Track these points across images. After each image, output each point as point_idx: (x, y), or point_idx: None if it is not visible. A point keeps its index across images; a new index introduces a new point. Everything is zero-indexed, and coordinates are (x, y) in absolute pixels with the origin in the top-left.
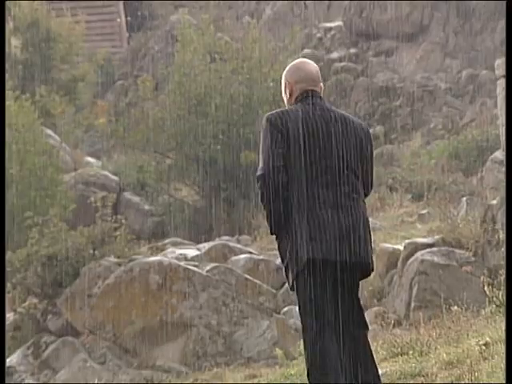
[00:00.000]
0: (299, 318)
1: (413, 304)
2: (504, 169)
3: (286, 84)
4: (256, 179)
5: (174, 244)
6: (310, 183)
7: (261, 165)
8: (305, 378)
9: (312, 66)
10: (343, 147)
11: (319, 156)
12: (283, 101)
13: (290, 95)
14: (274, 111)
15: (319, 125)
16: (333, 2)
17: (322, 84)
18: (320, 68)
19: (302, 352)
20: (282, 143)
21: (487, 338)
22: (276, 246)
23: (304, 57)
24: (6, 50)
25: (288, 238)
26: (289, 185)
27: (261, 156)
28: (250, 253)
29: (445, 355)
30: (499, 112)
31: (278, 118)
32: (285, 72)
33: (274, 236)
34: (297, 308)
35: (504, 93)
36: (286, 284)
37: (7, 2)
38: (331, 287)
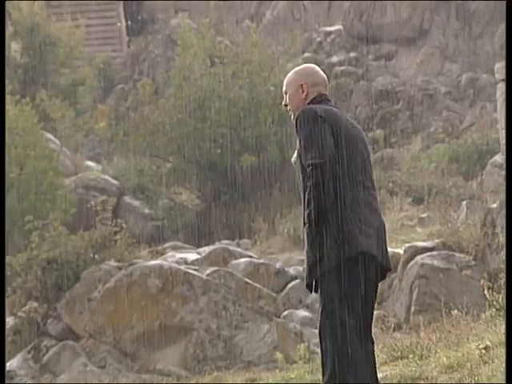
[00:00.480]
0: (329, 313)
1: (413, 308)
2: (504, 172)
3: (301, 85)
4: (313, 166)
5: (174, 248)
6: (351, 181)
7: (313, 154)
8: (305, 381)
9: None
10: (369, 152)
11: (356, 156)
12: (286, 100)
13: (306, 96)
14: (311, 106)
15: (353, 127)
16: (333, 6)
17: None
18: None
19: (303, 353)
20: (332, 137)
21: (487, 342)
22: (308, 237)
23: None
24: (6, 54)
25: (332, 229)
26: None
27: (311, 145)
28: (250, 257)
29: (445, 359)
30: (499, 116)
31: (324, 113)
32: (299, 73)
33: (308, 226)
34: (320, 306)
35: (504, 96)
36: (290, 284)
37: (7, 6)
38: (366, 283)
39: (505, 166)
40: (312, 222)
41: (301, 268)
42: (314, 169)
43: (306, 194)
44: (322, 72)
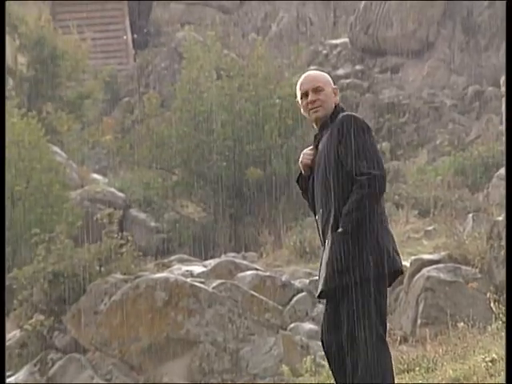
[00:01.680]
0: (366, 319)
1: (419, 320)
2: None
3: (334, 89)
4: (372, 177)
5: (181, 260)
6: (383, 197)
7: (372, 164)
8: None
9: None
10: None
11: None
12: (318, 97)
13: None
14: (358, 115)
15: None
16: (338, 19)
17: None
18: None
19: (310, 366)
20: None
21: (494, 355)
22: (342, 243)
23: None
24: (13, 67)
25: (370, 241)
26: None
27: (369, 155)
28: (257, 269)
29: (451, 372)
30: (505, 128)
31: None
32: (330, 78)
33: (345, 232)
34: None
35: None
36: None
37: (13, 19)
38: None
39: (505, 177)
40: (353, 229)
41: (307, 281)
42: (372, 179)
43: (354, 199)
44: None
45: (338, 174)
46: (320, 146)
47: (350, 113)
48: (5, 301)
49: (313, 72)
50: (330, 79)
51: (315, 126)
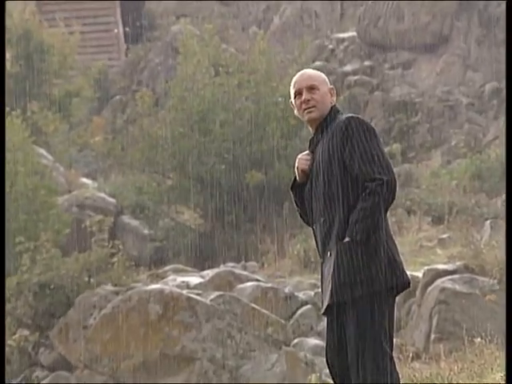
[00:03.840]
0: (377, 334)
1: (433, 335)
2: None
3: (331, 89)
4: (383, 182)
5: (176, 271)
6: None
7: (382, 169)
8: None
9: None
10: None
11: None
12: (313, 96)
13: (332, 103)
14: (361, 117)
15: None
16: (346, 11)
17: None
18: (333, 82)
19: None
20: None
21: None
22: (351, 253)
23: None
24: None
25: (380, 252)
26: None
27: (379, 159)
28: (258, 280)
29: None
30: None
31: None
32: (326, 77)
33: (354, 242)
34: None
35: None
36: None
37: None
38: None
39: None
40: (363, 239)
41: (312, 292)
42: (382, 185)
43: (364, 207)
44: None
45: (343, 180)
46: (318, 151)
47: (353, 115)
48: (5, 303)
49: (308, 70)
50: (326, 79)
51: (310, 129)
